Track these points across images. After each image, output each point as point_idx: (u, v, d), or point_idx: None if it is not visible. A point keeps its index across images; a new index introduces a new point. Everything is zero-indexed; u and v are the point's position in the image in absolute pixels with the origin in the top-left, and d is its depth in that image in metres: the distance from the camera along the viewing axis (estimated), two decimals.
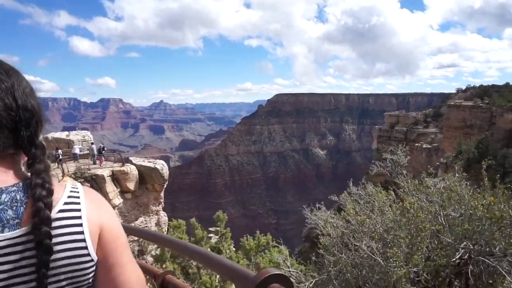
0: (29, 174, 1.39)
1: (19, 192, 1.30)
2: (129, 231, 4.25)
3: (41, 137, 1.54)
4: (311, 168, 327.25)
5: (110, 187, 28.35)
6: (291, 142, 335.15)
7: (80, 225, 1.34)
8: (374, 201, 8.37)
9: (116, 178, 29.38)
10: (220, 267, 2.56)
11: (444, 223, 6.57)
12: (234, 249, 21.26)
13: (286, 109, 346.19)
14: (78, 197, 1.40)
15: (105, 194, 28.14)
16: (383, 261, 6.18)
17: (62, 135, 39.65)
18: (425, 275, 5.99)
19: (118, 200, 29.07)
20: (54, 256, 1.26)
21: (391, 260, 5.99)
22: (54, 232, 1.27)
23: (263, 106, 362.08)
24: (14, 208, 1.26)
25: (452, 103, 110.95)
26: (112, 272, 1.41)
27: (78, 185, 1.48)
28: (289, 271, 8.21)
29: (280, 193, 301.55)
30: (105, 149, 33.40)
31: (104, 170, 29.02)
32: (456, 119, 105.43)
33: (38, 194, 1.28)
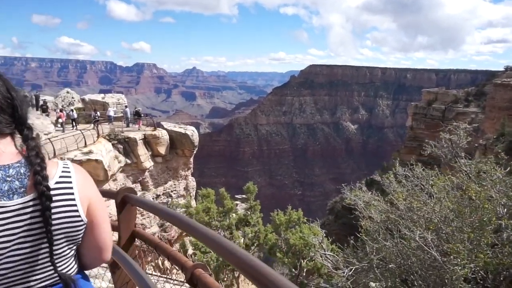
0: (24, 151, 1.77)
1: (22, 167, 1.69)
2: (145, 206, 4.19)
3: (29, 120, 1.88)
4: (340, 142, 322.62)
5: (141, 150, 29.18)
6: (322, 114, 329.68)
7: (72, 194, 1.77)
8: (424, 185, 7.52)
9: (148, 141, 30.15)
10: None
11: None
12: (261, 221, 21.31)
13: (319, 80, 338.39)
14: (69, 173, 1.83)
15: (136, 157, 29.09)
16: (439, 256, 5.39)
17: (98, 97, 40.83)
18: (482, 272, 5.23)
19: (149, 163, 29.97)
20: (54, 216, 1.67)
21: (450, 256, 5.18)
22: (53, 198, 1.68)
23: (295, 76, 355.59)
24: (20, 180, 1.65)
25: (499, 81, 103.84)
26: (95, 231, 1.90)
27: (69, 163, 1.90)
28: (325, 254, 8.08)
29: (307, 165, 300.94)
30: (142, 113, 34.05)
31: (137, 133, 29.80)
32: (501, 99, 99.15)
33: (37, 168, 1.67)
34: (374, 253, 6.56)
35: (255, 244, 14.61)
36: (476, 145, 77.87)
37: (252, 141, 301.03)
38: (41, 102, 38.19)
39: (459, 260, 5.00)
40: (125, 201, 4.11)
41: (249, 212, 14.19)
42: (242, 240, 14.81)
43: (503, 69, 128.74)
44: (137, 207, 4.36)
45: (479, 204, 5.54)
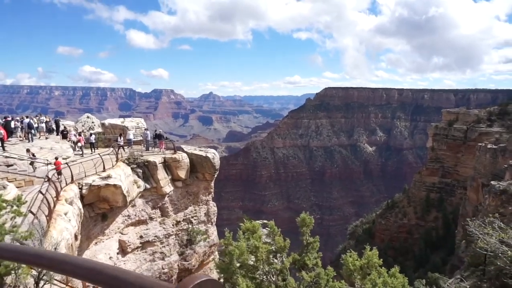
0: None
1: None
2: None
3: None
4: (358, 164, 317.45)
5: (161, 174, 28.48)
6: (339, 137, 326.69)
7: None
8: None
9: (168, 165, 29.46)
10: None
11: None
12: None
13: (334, 103, 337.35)
14: None
15: (156, 181, 28.41)
16: None
17: (118, 121, 40.96)
18: None
19: (169, 188, 29.16)
20: None
21: None
22: None
23: (311, 99, 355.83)
24: None
25: None
26: None
27: None
28: None
29: (325, 188, 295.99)
30: (163, 136, 33.65)
31: (156, 157, 29.21)
32: None
33: None
34: None
35: None
36: (505, 166, 74.74)
37: (269, 164, 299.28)
38: (61, 128, 38.52)
39: None
40: None
41: (305, 249, 10.72)
42: None
43: None
44: None
45: None
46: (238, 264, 8.01)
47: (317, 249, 10.69)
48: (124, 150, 28.71)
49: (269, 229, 44.21)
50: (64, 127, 35.91)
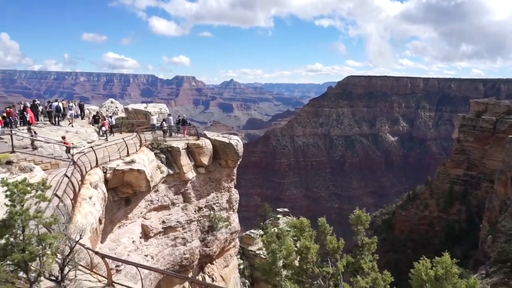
0: None
1: None
2: None
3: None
4: (379, 154, 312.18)
5: (184, 160, 28.31)
6: (360, 126, 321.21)
7: None
8: None
9: (191, 151, 29.25)
10: None
11: None
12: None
13: (357, 91, 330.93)
14: None
15: (179, 167, 28.28)
16: None
17: (141, 106, 40.96)
18: None
19: (191, 174, 29.01)
20: None
21: None
22: None
23: (332, 88, 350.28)
24: None
25: None
26: None
27: None
28: None
29: (345, 178, 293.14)
30: (187, 121, 33.37)
31: (180, 143, 29.00)
32: None
33: None
34: None
35: None
36: None
37: (289, 152, 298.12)
38: (87, 111, 38.93)
39: None
40: None
41: (359, 251, 8.59)
42: None
43: None
44: None
45: None
46: (281, 264, 6.98)
47: (374, 251, 8.87)
48: (143, 135, 28.44)
49: (289, 218, 43.69)
50: (97, 112, 36.15)
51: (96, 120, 33.48)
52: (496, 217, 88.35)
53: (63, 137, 24.20)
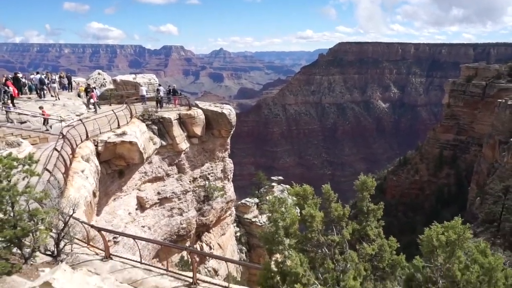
0: None
1: None
2: None
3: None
4: (371, 121, 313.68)
5: (177, 130, 27.86)
6: (352, 93, 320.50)
7: None
8: None
9: (183, 122, 28.75)
10: None
11: None
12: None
13: (348, 58, 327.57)
14: None
15: (172, 138, 27.86)
16: None
17: (129, 77, 39.83)
18: None
19: (185, 145, 28.67)
20: None
21: None
22: None
23: (324, 55, 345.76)
24: None
25: None
26: None
27: None
28: None
29: (337, 145, 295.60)
30: (178, 91, 32.54)
31: (171, 113, 28.43)
32: None
33: None
34: None
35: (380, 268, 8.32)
36: None
37: (281, 121, 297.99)
38: (75, 84, 37.74)
39: None
40: None
41: (364, 217, 8.03)
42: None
43: None
44: None
45: None
46: (283, 234, 6.74)
47: (379, 217, 8.49)
48: (133, 106, 27.63)
49: (284, 186, 43.95)
50: (88, 85, 34.86)
51: (87, 92, 32.17)
52: (484, 180, 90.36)
53: (41, 107, 23.40)
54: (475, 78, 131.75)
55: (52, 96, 30.45)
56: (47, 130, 21.67)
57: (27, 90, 30.95)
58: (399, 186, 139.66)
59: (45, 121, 22.41)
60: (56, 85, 31.87)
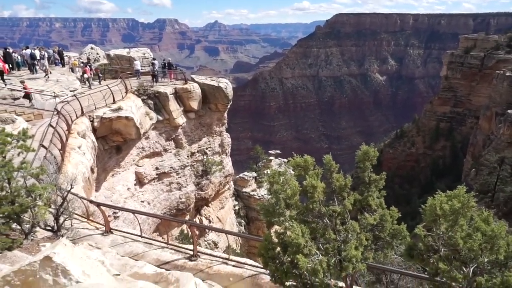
0: None
1: None
2: None
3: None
4: (368, 94, 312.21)
5: (173, 105, 27.56)
6: (349, 66, 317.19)
7: None
8: None
9: (179, 96, 28.40)
10: None
11: None
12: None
13: (345, 30, 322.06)
14: None
15: (168, 113, 27.59)
16: None
17: (123, 52, 39.00)
18: None
19: (181, 119, 28.45)
20: None
21: None
22: None
23: (321, 27, 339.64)
24: None
25: None
26: None
27: None
28: None
29: (334, 118, 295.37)
30: (174, 65, 31.90)
31: (167, 88, 28.04)
32: None
33: None
34: None
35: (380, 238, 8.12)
36: None
37: (278, 95, 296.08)
38: (67, 59, 36.89)
39: None
40: None
41: (367, 187, 7.98)
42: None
43: None
44: None
45: None
46: (284, 205, 6.73)
47: (381, 188, 8.41)
48: (128, 81, 27.06)
49: (281, 159, 44.04)
50: (88, 59, 33.87)
51: (86, 66, 31.20)
52: (480, 152, 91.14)
53: (22, 81, 22.85)
54: (473, 50, 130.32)
55: (43, 71, 29.77)
56: (32, 105, 21.22)
57: (14, 66, 30.08)
58: (395, 159, 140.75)
59: (26, 96, 21.84)
60: (45, 61, 30.88)
